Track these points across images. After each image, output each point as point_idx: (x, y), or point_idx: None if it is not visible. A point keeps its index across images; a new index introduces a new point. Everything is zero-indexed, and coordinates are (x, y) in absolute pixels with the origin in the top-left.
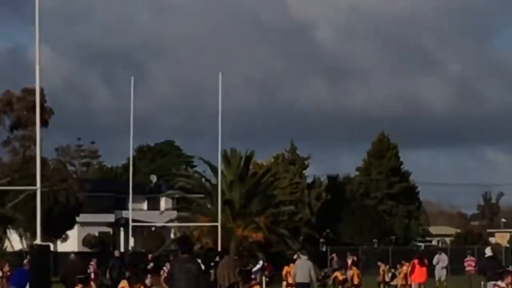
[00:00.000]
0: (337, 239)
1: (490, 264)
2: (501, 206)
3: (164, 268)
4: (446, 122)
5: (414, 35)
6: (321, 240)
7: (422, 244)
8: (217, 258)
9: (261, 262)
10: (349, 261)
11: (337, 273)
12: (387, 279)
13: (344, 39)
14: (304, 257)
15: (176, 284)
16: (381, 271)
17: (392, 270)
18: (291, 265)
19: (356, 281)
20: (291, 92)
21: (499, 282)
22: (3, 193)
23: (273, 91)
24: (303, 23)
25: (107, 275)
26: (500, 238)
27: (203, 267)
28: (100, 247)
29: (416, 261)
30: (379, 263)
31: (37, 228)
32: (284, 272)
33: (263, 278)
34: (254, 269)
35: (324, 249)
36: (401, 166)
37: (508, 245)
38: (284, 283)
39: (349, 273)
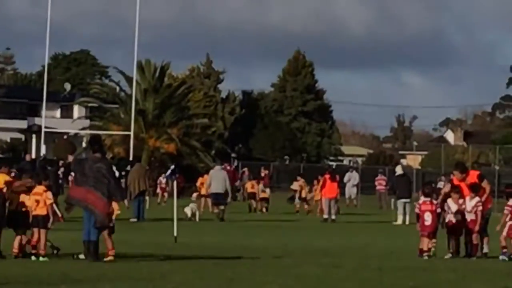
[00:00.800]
0: (249, 155)
1: (401, 181)
2: (413, 130)
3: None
4: (363, 43)
5: None
6: (233, 155)
7: (334, 163)
8: (129, 167)
9: (172, 167)
10: (262, 175)
11: (248, 184)
12: (304, 195)
13: None
14: (218, 167)
15: (84, 181)
16: (298, 186)
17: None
18: (205, 176)
19: (264, 195)
20: (209, 6)
21: (426, 199)
22: None
23: (192, 4)
24: None
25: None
26: (412, 160)
27: (117, 173)
28: (11, 152)
29: (327, 176)
30: (298, 178)
31: None
32: (198, 183)
33: (174, 183)
34: (166, 174)
35: (235, 164)
36: (316, 84)
37: (419, 167)
38: (195, 194)
39: (261, 187)
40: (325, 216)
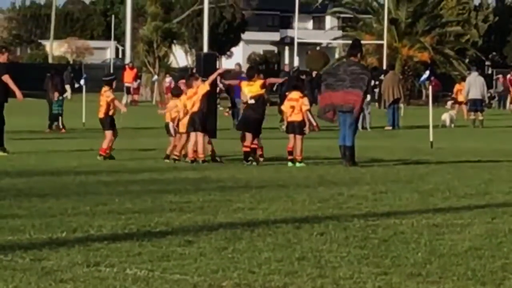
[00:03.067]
0: (503, 62)
1: None
2: None
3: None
4: None
5: None
6: (487, 63)
7: None
8: (382, 77)
9: (428, 72)
10: None
11: None
12: None
13: None
14: (475, 73)
15: (339, 84)
16: None
17: None
18: (462, 83)
19: None
20: None
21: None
22: (169, 8)
23: None
24: None
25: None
26: None
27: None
28: (264, 65)
29: None
30: None
31: (204, 39)
32: (455, 90)
33: (429, 90)
34: (422, 78)
35: (489, 72)
36: None
37: None
38: (450, 102)
39: None
40: None
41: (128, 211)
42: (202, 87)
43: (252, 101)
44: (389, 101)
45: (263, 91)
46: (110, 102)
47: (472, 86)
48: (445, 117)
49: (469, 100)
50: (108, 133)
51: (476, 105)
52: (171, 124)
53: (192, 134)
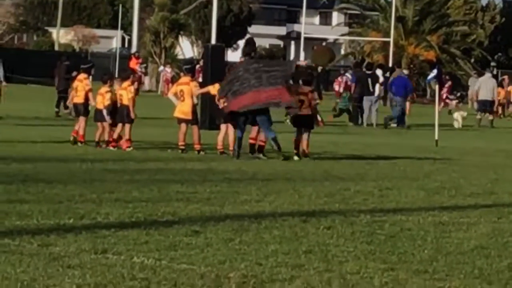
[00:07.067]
0: (509, 63)
1: None
2: None
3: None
4: None
5: None
6: (492, 64)
7: None
8: (387, 74)
9: (435, 71)
10: None
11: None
12: None
13: None
14: (488, 75)
15: (245, 85)
16: None
17: None
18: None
19: None
20: None
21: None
22: None
23: None
24: None
25: None
26: None
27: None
28: (270, 59)
29: None
30: None
31: (212, 31)
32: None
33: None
34: (429, 77)
35: (495, 73)
36: None
37: None
38: (454, 102)
39: None
40: None
41: (135, 200)
42: (212, 89)
43: None
44: None
45: None
46: (87, 91)
47: (483, 87)
48: (457, 116)
49: (479, 101)
50: (82, 119)
51: (485, 105)
52: (104, 111)
53: (223, 126)
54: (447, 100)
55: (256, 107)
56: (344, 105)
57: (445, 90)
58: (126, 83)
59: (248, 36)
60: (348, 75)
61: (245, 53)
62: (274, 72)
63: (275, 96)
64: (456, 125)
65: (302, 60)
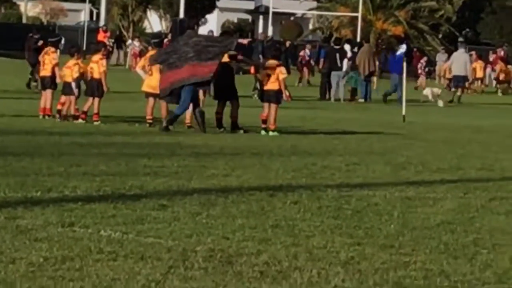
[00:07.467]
0: (477, 39)
1: None
2: None
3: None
4: None
5: None
6: (460, 39)
7: None
8: (356, 49)
9: (404, 46)
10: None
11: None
12: None
13: None
14: (461, 50)
15: (182, 58)
16: None
17: None
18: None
19: (503, 76)
20: None
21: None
22: None
23: None
24: None
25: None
26: None
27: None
28: (238, 33)
29: None
30: None
31: (180, 5)
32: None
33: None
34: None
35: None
36: None
37: None
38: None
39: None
40: None
41: (103, 173)
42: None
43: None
44: (365, 73)
45: (228, 60)
46: (54, 65)
47: (456, 62)
48: (427, 92)
49: (454, 76)
50: (49, 92)
51: (459, 81)
52: (73, 84)
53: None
54: (423, 74)
55: (193, 81)
56: (354, 84)
57: (423, 64)
58: (97, 57)
59: (216, 10)
60: (307, 50)
61: (188, 26)
62: (213, 47)
63: (204, 73)
64: (429, 98)
65: (261, 33)
